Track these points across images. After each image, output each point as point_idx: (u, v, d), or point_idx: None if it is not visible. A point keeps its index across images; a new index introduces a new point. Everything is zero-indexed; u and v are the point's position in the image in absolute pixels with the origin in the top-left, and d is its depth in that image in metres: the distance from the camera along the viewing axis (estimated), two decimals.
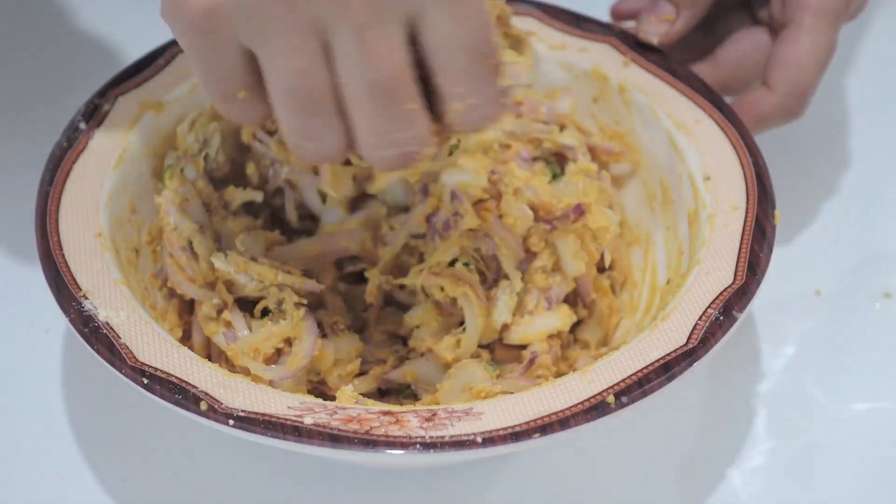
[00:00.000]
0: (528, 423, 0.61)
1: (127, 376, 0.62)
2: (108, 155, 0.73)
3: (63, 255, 0.68)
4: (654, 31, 0.79)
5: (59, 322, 0.77)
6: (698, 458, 0.73)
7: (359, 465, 0.71)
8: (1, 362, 0.77)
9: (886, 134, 0.91)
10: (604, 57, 0.80)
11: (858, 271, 0.83)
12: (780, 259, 0.80)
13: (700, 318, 0.65)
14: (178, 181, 0.72)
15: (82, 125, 0.74)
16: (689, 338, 0.64)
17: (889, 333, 0.79)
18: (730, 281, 0.67)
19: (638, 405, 0.62)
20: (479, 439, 0.60)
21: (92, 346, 0.63)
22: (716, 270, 0.68)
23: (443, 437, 0.60)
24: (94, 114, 0.75)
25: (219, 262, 0.69)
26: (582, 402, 0.61)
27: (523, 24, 0.81)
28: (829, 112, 0.92)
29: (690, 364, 0.63)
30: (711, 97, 0.77)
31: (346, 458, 0.60)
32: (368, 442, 0.60)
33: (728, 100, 0.78)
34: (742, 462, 0.73)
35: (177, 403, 0.61)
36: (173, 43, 0.79)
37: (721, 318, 0.65)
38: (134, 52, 0.74)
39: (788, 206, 0.79)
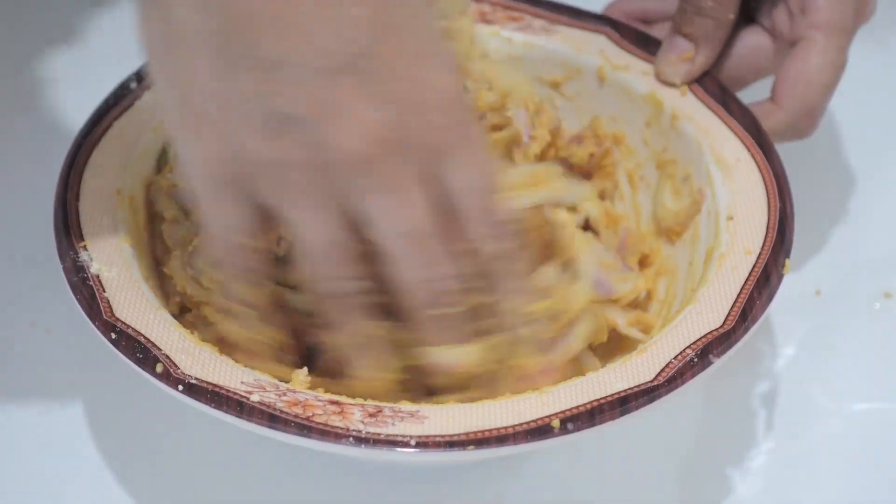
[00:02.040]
0: (466, 434, 0.60)
1: (98, 329, 0.64)
2: (151, 117, 0.75)
3: (77, 206, 0.70)
4: (674, 71, 0.77)
5: (60, 322, 0.79)
6: (698, 459, 0.73)
7: (371, 463, 0.72)
8: (1, 362, 0.77)
9: (887, 134, 0.91)
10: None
11: (858, 271, 0.82)
12: None
13: (675, 357, 0.63)
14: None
15: (133, 84, 0.76)
16: (658, 375, 0.63)
17: (889, 334, 0.79)
18: (718, 324, 0.65)
19: (585, 433, 0.61)
20: (412, 442, 0.60)
21: (75, 295, 0.66)
22: (708, 312, 0.66)
23: (378, 434, 0.60)
24: (146, 76, 0.77)
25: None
26: (527, 423, 0.61)
27: (595, 41, 0.81)
28: (830, 112, 0.90)
29: (649, 401, 0.62)
30: (759, 137, 0.75)
31: (283, 440, 0.61)
32: (304, 427, 0.60)
33: None
34: (742, 462, 0.72)
35: (136, 362, 0.63)
36: None
37: (696, 360, 0.63)
38: None
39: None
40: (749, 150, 0.74)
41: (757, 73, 0.79)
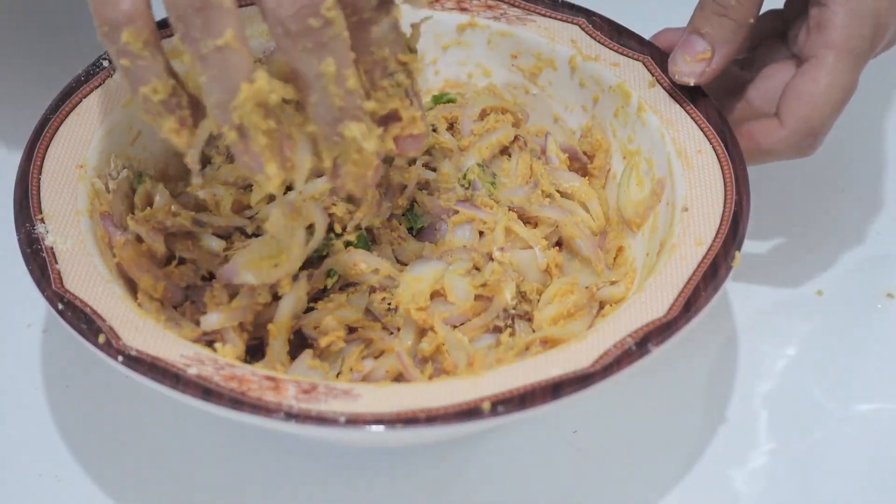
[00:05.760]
0: (397, 413, 0.61)
1: (47, 299, 0.65)
2: (121, 93, 0.76)
3: (38, 180, 0.71)
4: (690, 71, 0.75)
5: (56, 322, 0.76)
6: (700, 459, 0.72)
7: (360, 448, 0.73)
8: None
9: (888, 134, 0.90)
10: (633, 74, 0.79)
11: (860, 272, 0.82)
12: (782, 260, 0.81)
13: (614, 345, 0.64)
14: None
15: (105, 63, 0.77)
16: (595, 362, 0.63)
17: (891, 334, 0.78)
18: (661, 314, 0.65)
19: (514, 416, 0.61)
20: (342, 419, 0.60)
21: (27, 266, 0.67)
22: (653, 301, 0.66)
23: (309, 410, 0.61)
24: None
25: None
26: (458, 404, 0.61)
27: (568, 31, 0.81)
28: None
29: (582, 388, 0.62)
30: (721, 128, 0.74)
31: (216, 413, 0.61)
32: (237, 402, 0.61)
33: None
34: (744, 463, 0.72)
35: (80, 332, 0.64)
36: None
37: (634, 348, 0.63)
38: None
39: (789, 206, 0.80)
40: (711, 142, 0.74)
41: (775, 90, 0.76)
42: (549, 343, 0.70)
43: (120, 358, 0.63)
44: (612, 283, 0.74)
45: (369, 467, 0.72)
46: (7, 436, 0.74)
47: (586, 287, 0.73)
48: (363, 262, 0.70)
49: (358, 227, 0.72)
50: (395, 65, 0.60)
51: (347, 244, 0.72)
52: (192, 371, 0.62)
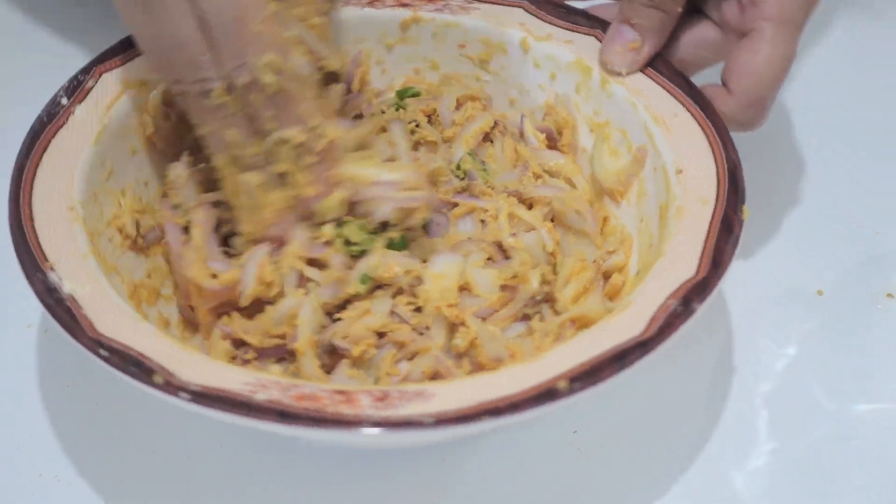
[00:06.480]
0: (478, 405, 0.61)
1: (86, 347, 0.63)
2: (88, 131, 0.74)
3: (33, 226, 0.68)
4: (621, 61, 0.78)
5: (55, 323, 0.76)
6: (700, 459, 0.73)
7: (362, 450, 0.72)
8: None
9: (889, 133, 0.91)
10: (588, 49, 0.80)
11: (860, 272, 0.82)
12: (782, 259, 0.81)
13: (659, 309, 0.65)
14: None
15: (64, 100, 0.75)
16: (647, 328, 0.64)
17: (891, 334, 0.79)
18: (692, 274, 0.67)
19: (589, 392, 0.62)
20: (429, 420, 0.60)
21: (54, 317, 0.64)
22: (679, 262, 0.68)
23: (393, 417, 0.60)
24: (77, 90, 0.76)
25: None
26: (535, 388, 0.62)
27: (514, 14, 0.82)
28: (832, 112, 0.92)
29: (644, 354, 0.63)
30: (691, 92, 0.77)
31: (294, 434, 0.60)
32: (317, 420, 0.60)
33: None
34: (744, 463, 0.72)
35: (132, 375, 0.62)
36: None
37: (680, 309, 0.65)
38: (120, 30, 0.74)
39: (790, 205, 0.80)
40: (684, 105, 0.76)
41: (700, 65, 0.80)
42: (577, 322, 0.71)
43: (184, 395, 0.61)
44: (610, 252, 0.76)
45: (369, 467, 0.72)
46: (7, 436, 0.74)
47: (593, 261, 0.75)
48: (397, 266, 0.70)
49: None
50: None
51: (390, 243, 0.71)
52: (261, 397, 0.61)
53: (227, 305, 0.72)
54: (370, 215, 0.72)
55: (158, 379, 0.62)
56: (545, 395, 0.61)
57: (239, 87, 0.68)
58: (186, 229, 0.74)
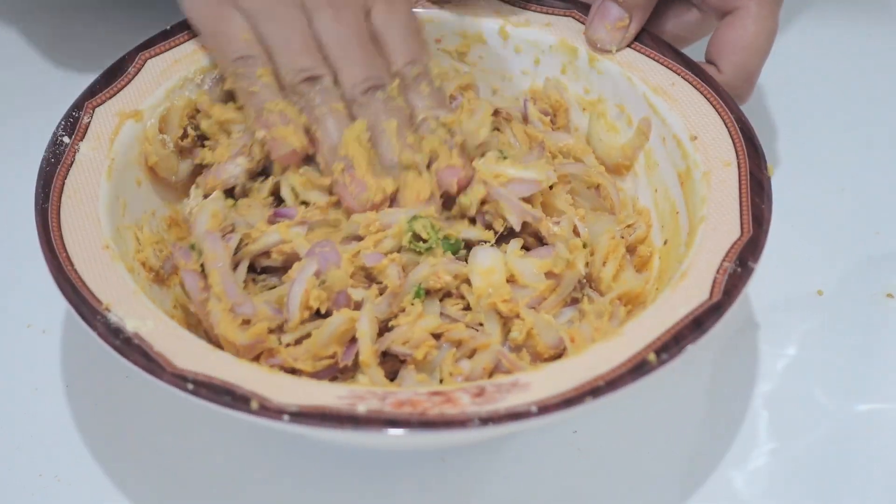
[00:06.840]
0: (577, 388, 0.62)
1: (169, 383, 0.62)
2: (97, 167, 0.72)
3: (76, 271, 0.66)
4: (610, 39, 0.79)
5: (56, 323, 0.78)
6: (700, 460, 0.73)
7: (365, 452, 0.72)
8: None
9: (889, 134, 0.92)
10: (568, 30, 0.82)
11: (861, 272, 0.82)
12: (782, 259, 0.81)
13: (718, 272, 0.67)
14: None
15: (66, 139, 0.73)
16: (712, 292, 0.66)
17: (891, 334, 0.79)
18: (738, 234, 0.69)
19: (677, 360, 0.63)
20: (534, 409, 0.61)
21: (128, 358, 0.63)
22: (722, 225, 0.69)
23: (497, 410, 0.61)
24: (74, 127, 0.74)
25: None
26: (625, 363, 0.63)
27: (487, 4, 0.83)
28: (832, 111, 0.94)
29: (719, 316, 0.65)
30: (683, 60, 0.79)
31: (403, 441, 0.60)
32: (426, 423, 0.60)
33: None
34: (744, 463, 0.73)
35: (226, 405, 0.61)
36: (137, 49, 0.79)
37: (738, 269, 0.67)
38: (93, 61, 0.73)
39: (790, 205, 0.81)
40: (678, 74, 0.78)
41: (678, 45, 0.81)
42: (623, 299, 0.72)
43: (286, 418, 0.60)
44: (629, 226, 0.77)
45: (369, 468, 0.72)
46: (7, 436, 0.73)
47: (621, 237, 0.76)
48: (446, 274, 0.70)
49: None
50: (436, 123, 0.74)
51: (445, 241, 0.71)
52: (362, 408, 0.61)
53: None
54: (496, 218, 0.72)
55: (254, 405, 0.61)
56: (637, 368, 0.62)
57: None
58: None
